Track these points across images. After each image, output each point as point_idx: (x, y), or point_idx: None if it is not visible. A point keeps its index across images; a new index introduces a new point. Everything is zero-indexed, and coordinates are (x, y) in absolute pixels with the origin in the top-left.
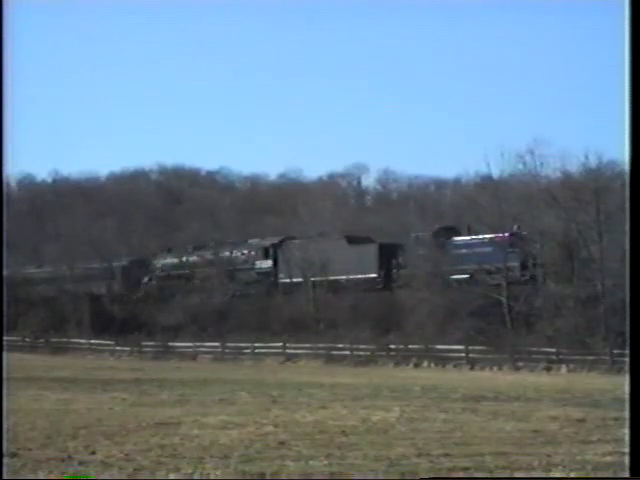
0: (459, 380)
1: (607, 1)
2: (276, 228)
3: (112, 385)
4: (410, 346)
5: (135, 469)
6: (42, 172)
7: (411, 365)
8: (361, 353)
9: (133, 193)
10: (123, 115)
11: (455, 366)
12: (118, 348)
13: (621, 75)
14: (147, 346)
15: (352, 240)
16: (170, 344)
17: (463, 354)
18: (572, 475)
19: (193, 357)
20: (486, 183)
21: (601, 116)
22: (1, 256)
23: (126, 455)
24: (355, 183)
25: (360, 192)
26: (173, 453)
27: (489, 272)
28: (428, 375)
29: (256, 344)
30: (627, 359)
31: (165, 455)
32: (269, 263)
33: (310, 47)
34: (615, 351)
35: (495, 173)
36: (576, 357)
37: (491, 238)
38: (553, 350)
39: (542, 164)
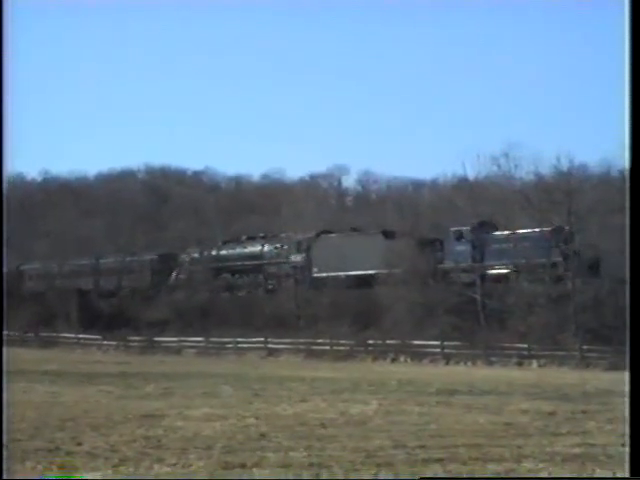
0: (434, 375)
1: (603, 2)
2: (259, 227)
3: (99, 378)
4: (388, 342)
5: (120, 460)
6: (32, 171)
7: (388, 360)
8: (340, 348)
9: (121, 192)
10: (111, 116)
11: (431, 361)
12: (105, 342)
13: (595, 79)
14: (133, 341)
15: (389, 235)
16: (155, 339)
17: (439, 349)
18: (570, 475)
19: (178, 351)
20: (462, 184)
21: (574, 120)
22: (1, 254)
23: (112, 446)
24: (336, 184)
25: (341, 192)
26: (157, 444)
27: (536, 267)
28: (405, 370)
29: (239, 339)
30: (627, 357)
31: (150, 446)
32: (303, 257)
33: (292, 50)
34: (584, 347)
35: (471, 175)
36: (547, 353)
37: (535, 232)
38: (525, 346)
39: (516, 166)
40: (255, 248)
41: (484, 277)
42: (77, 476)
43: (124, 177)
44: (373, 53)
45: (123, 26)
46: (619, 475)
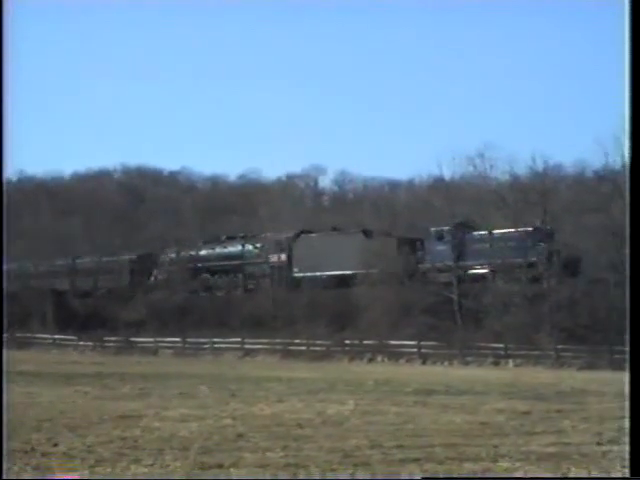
0: (411, 374)
1: (581, 4)
2: (236, 227)
3: (75, 379)
4: (365, 342)
5: (97, 460)
6: (7, 171)
7: (365, 360)
8: (317, 348)
9: (97, 192)
10: (87, 116)
11: (407, 361)
12: (81, 343)
13: (570, 80)
14: (109, 341)
15: (369, 234)
16: (132, 339)
17: (415, 349)
18: (569, 475)
19: (154, 352)
20: (438, 185)
21: (549, 120)
22: (1, 255)
23: (88, 447)
24: (312, 184)
25: (317, 193)
26: (134, 445)
27: (513, 266)
28: (382, 370)
29: (215, 339)
30: (627, 357)
31: (126, 447)
32: (283, 257)
33: (270, 51)
34: (559, 346)
35: (447, 175)
36: (522, 352)
37: (513, 233)
38: (501, 346)
39: (492, 167)
40: (235, 248)
41: (464, 277)
42: (79, 476)
43: (100, 177)
44: (350, 54)
45: (101, 26)
46: (619, 475)
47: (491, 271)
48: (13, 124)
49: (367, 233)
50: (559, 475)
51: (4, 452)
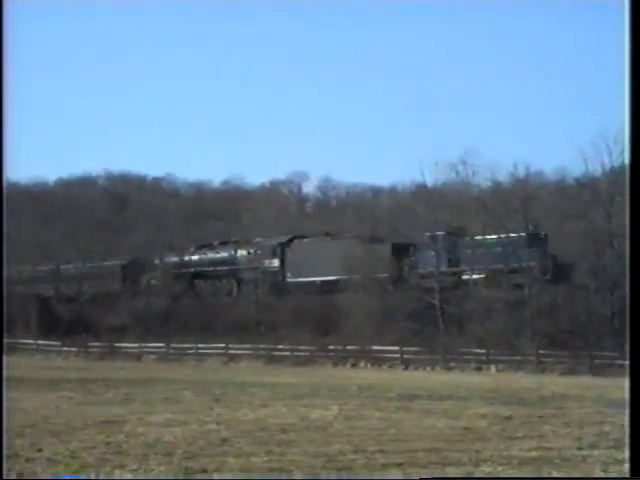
0: (394, 380)
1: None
2: (220, 233)
3: (59, 384)
4: (348, 347)
5: (81, 466)
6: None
7: (349, 365)
8: (301, 354)
9: (81, 198)
10: (71, 122)
11: (390, 366)
12: (65, 349)
13: (550, 87)
14: (93, 347)
15: (363, 240)
16: (116, 345)
17: (398, 355)
18: (566, 474)
19: (138, 357)
20: (421, 191)
21: (530, 128)
22: (1, 258)
23: (72, 452)
24: (296, 190)
25: (301, 199)
26: (118, 450)
27: (506, 272)
28: (365, 375)
29: (199, 345)
30: (627, 358)
31: (110, 452)
32: (276, 262)
33: (252, 57)
34: (540, 352)
35: (429, 182)
36: (504, 358)
37: (507, 238)
38: (483, 351)
39: (474, 173)
40: (227, 253)
41: (448, 283)
42: (77, 476)
43: (84, 183)
44: (331, 61)
45: (83, 30)
46: (619, 475)
47: (485, 276)
48: None
49: (361, 239)
50: (553, 475)
51: (4, 453)
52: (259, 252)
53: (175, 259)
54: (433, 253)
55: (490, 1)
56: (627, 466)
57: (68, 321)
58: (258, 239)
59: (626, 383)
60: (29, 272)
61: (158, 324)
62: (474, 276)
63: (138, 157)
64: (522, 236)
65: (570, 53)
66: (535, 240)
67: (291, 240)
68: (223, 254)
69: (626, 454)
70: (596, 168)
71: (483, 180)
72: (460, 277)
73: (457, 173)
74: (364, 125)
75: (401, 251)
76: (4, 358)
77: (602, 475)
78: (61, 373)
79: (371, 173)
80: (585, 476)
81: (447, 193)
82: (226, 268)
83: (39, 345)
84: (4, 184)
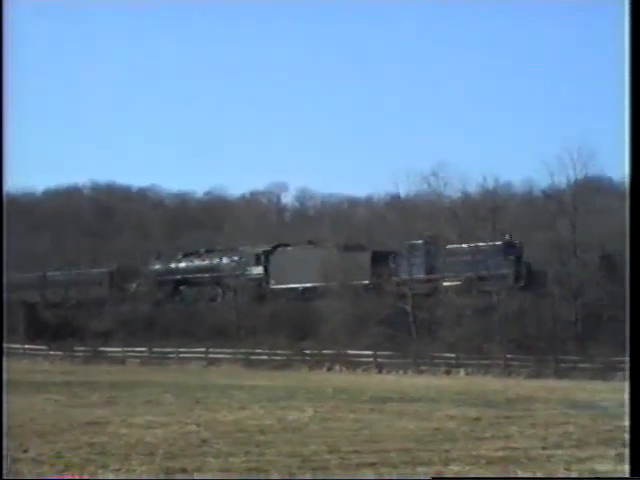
0: (368, 383)
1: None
2: (203, 242)
3: (45, 387)
4: (324, 351)
5: (66, 466)
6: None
7: (324, 369)
8: (278, 358)
9: (67, 208)
10: (59, 133)
11: (364, 370)
12: (51, 353)
13: (521, 103)
14: (79, 351)
15: (345, 248)
16: (100, 349)
17: (372, 359)
18: (563, 475)
19: (122, 361)
20: (395, 201)
21: (499, 141)
22: (1, 261)
23: (57, 453)
24: (275, 200)
25: (280, 208)
26: (102, 451)
27: (482, 279)
28: (340, 378)
29: (181, 349)
30: (627, 359)
31: (94, 452)
32: (260, 270)
33: (231, 68)
34: (508, 356)
35: (403, 193)
36: (473, 362)
37: (484, 246)
38: (453, 355)
39: (445, 185)
40: (213, 261)
41: (436, 290)
42: (76, 476)
43: (71, 193)
44: (308, 74)
45: (64, 42)
46: (618, 475)
47: (463, 283)
48: None
49: (343, 247)
50: (553, 475)
51: (4, 453)
52: (244, 260)
53: (161, 266)
54: (412, 261)
55: (456, 18)
56: (588, 465)
57: (54, 326)
58: (243, 247)
59: (592, 386)
60: (16, 279)
61: (142, 329)
62: (452, 283)
63: (124, 168)
64: (498, 244)
65: (537, 68)
66: (510, 248)
67: (275, 248)
68: (209, 261)
69: (588, 453)
70: (561, 180)
71: (454, 191)
72: (438, 284)
73: (429, 184)
74: (341, 138)
75: (381, 259)
76: (4, 361)
77: (603, 475)
78: (47, 376)
79: (348, 184)
80: (586, 476)
81: (420, 203)
82: (212, 275)
83: (26, 349)
84: (4, 193)
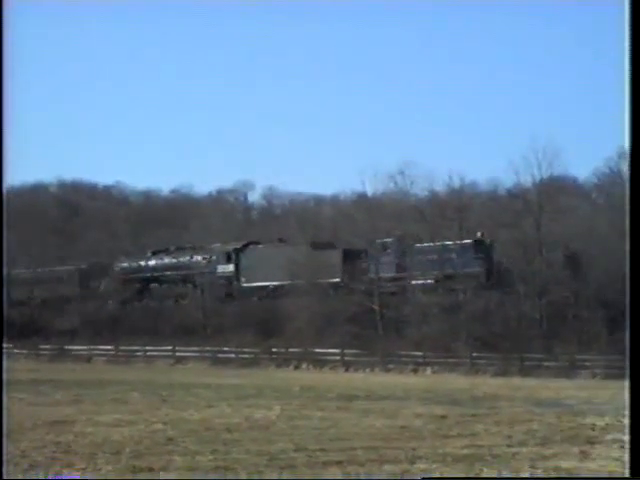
0: (335, 381)
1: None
2: (169, 240)
3: (9, 386)
4: (291, 350)
5: (30, 465)
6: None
7: (291, 367)
8: (245, 356)
9: (33, 205)
10: (24, 130)
11: (331, 368)
12: (16, 351)
13: (487, 102)
14: (44, 349)
15: (316, 246)
16: (66, 347)
17: (339, 357)
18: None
19: (88, 359)
20: (361, 200)
21: (465, 140)
22: (1, 260)
23: (22, 452)
24: (242, 199)
25: (246, 207)
26: (67, 449)
27: (451, 277)
28: (307, 376)
29: (147, 347)
30: (627, 360)
31: (59, 451)
32: (231, 267)
33: (198, 66)
34: (474, 354)
35: (369, 191)
36: (440, 360)
37: (455, 244)
38: (420, 354)
39: (412, 183)
40: (184, 259)
41: (407, 288)
42: (76, 476)
43: (36, 191)
44: (276, 71)
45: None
46: (618, 475)
47: (435, 282)
48: None
49: (314, 245)
50: (544, 475)
51: (4, 452)
52: (214, 257)
53: (130, 264)
54: (383, 259)
55: (422, 16)
56: (553, 462)
57: (19, 324)
58: (214, 245)
59: (557, 384)
60: None
61: (108, 327)
62: (422, 281)
63: (89, 166)
64: (468, 242)
65: (503, 69)
66: (481, 247)
67: (246, 246)
68: (179, 259)
69: (553, 450)
70: (526, 179)
71: (420, 190)
72: (406, 283)
73: (396, 183)
74: (307, 135)
75: (352, 257)
76: (4, 361)
77: (602, 475)
78: (11, 375)
79: (314, 183)
80: (586, 476)
81: (386, 202)
82: (182, 273)
83: None
84: (4, 190)
